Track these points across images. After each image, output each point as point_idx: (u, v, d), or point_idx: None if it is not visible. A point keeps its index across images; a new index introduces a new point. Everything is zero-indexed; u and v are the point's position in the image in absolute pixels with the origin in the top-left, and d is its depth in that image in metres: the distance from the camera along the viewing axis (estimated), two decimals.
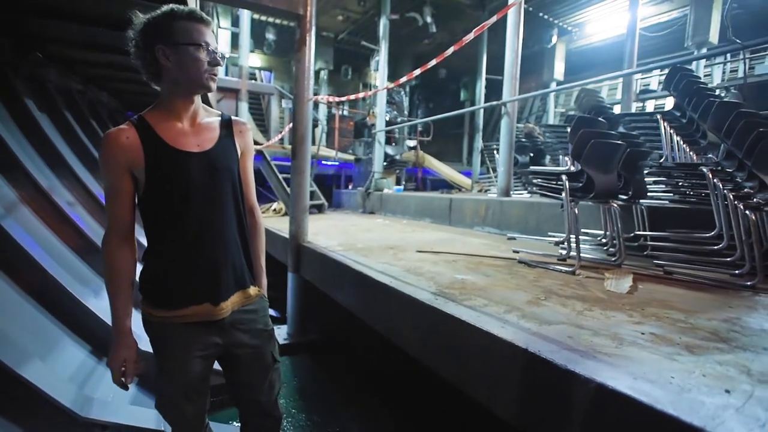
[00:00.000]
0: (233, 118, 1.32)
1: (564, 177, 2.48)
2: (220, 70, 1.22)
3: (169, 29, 1.09)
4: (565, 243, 2.56)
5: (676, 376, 1.08)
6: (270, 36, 11.09)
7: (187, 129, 1.18)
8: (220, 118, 1.28)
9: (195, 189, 1.15)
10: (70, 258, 2.76)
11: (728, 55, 9.03)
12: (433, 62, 2.91)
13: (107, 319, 2.37)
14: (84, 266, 2.81)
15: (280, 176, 6.40)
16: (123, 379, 1.17)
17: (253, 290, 1.32)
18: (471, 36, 2.75)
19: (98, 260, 2.91)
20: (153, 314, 1.19)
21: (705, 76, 8.63)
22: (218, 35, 7.55)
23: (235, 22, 8.84)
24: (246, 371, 1.31)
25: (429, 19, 9.35)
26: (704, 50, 7.76)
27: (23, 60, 3.37)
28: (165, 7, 1.11)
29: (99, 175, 4.00)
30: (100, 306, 2.48)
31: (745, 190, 2.39)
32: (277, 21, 10.93)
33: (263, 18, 10.52)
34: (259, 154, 7.24)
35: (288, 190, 6.16)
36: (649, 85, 11.06)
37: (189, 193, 1.15)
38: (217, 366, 1.32)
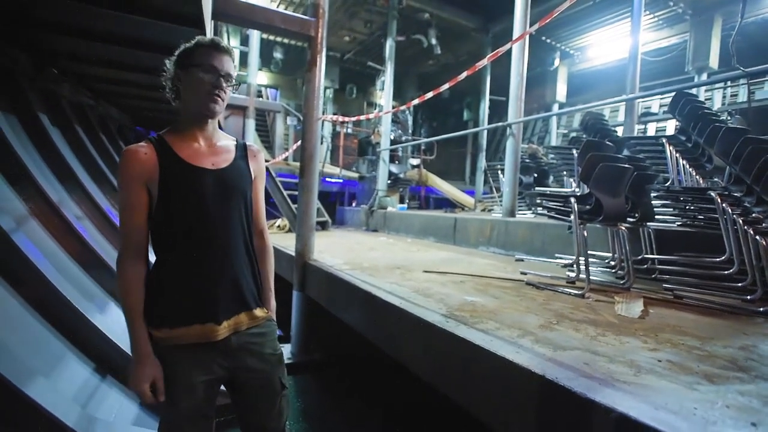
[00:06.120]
0: (248, 143, 1.36)
1: (573, 200, 2.48)
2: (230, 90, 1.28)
3: (188, 55, 1.18)
4: (574, 266, 2.54)
5: (699, 407, 1.06)
6: (277, 55, 11.36)
7: (204, 149, 1.22)
8: (235, 142, 1.32)
9: (206, 205, 1.17)
10: (77, 272, 2.74)
11: (728, 81, 9.16)
12: (446, 86, 2.96)
13: (112, 335, 2.37)
14: (90, 281, 2.79)
15: (285, 193, 6.43)
16: (155, 396, 1.13)
17: (260, 312, 1.29)
18: (485, 62, 2.81)
19: (104, 275, 2.89)
20: (155, 336, 1.16)
21: (706, 100, 8.75)
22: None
23: (245, 41, 9.03)
24: (253, 397, 1.28)
25: (434, 41, 9.55)
26: (705, 75, 7.90)
27: (39, 75, 3.43)
28: (194, 39, 1.20)
29: (107, 190, 4.05)
30: (106, 322, 2.45)
31: (754, 215, 2.39)
32: (285, 40, 11.18)
33: (271, 37, 10.76)
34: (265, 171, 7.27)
35: (292, 206, 6.18)
36: (650, 108, 11.19)
37: (200, 208, 1.16)
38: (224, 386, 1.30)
